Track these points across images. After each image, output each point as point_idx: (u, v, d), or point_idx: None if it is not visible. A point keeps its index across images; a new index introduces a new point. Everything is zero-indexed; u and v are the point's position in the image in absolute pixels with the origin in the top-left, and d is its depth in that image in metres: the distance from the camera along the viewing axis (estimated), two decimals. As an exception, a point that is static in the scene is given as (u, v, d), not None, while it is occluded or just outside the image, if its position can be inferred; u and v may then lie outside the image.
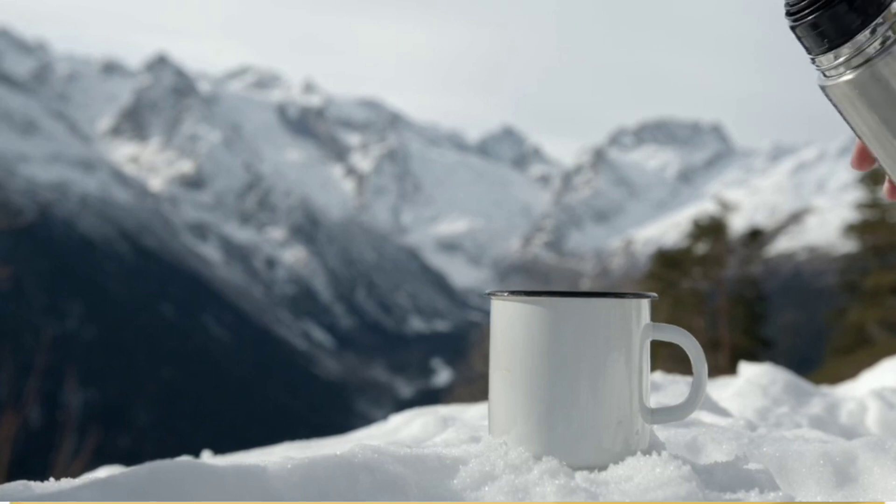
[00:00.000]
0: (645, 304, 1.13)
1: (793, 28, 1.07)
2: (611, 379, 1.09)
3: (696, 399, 1.13)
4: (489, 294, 1.16)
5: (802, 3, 1.05)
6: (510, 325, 1.12)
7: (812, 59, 1.08)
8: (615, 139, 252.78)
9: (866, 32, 1.03)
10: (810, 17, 1.05)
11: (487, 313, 1.16)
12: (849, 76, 1.06)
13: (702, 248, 25.47)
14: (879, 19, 1.03)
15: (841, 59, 1.06)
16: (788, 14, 1.07)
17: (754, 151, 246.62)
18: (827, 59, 1.07)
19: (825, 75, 1.08)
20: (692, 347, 1.12)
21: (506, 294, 1.13)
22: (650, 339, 1.14)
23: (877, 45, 1.03)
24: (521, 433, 1.10)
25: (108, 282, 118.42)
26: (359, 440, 2.11)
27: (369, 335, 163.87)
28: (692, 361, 1.13)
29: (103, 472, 1.93)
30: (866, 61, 1.04)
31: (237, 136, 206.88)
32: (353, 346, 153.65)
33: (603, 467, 1.07)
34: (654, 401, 1.87)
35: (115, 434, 79.80)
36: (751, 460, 1.15)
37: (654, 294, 1.15)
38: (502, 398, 1.13)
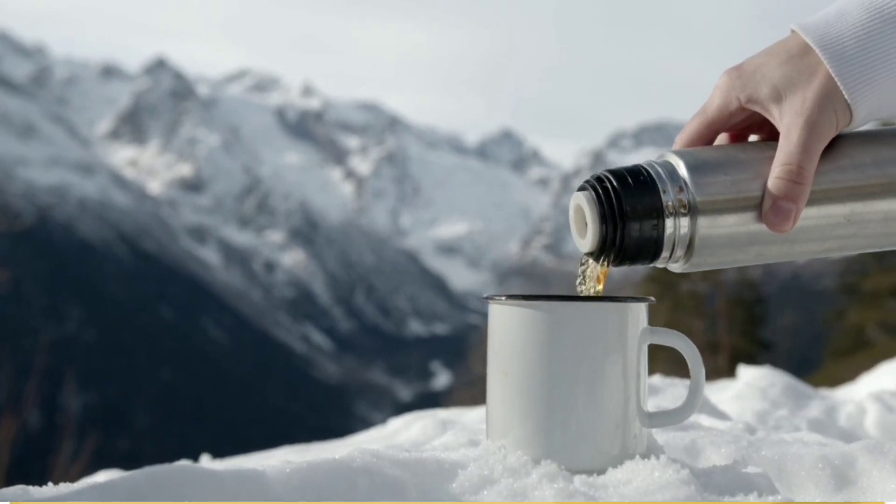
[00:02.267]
0: (642, 309, 1.12)
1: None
2: (608, 383, 1.09)
3: (693, 403, 1.12)
4: (487, 298, 1.14)
5: (602, 256, 1.06)
6: (508, 329, 1.11)
7: None
8: (614, 141, 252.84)
9: (669, 231, 1.02)
10: (615, 262, 1.06)
11: (486, 316, 1.15)
12: (689, 261, 1.05)
13: (701, 250, 25.48)
14: (667, 212, 1.01)
15: (670, 259, 1.06)
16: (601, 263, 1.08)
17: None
18: (662, 262, 1.06)
19: (669, 268, 1.08)
20: (689, 351, 1.12)
21: (503, 298, 1.12)
22: (648, 343, 1.13)
23: (684, 229, 1.02)
24: (518, 437, 1.10)
25: (107, 284, 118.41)
26: (358, 444, 2.11)
27: (368, 338, 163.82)
28: (689, 365, 1.12)
29: (102, 477, 1.93)
30: (690, 242, 1.03)
31: (236, 139, 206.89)
32: (353, 349, 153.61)
33: (601, 471, 1.07)
34: (652, 404, 1.87)
35: (115, 436, 79.78)
36: (749, 463, 1.14)
37: (652, 298, 1.15)
38: (500, 402, 1.13)
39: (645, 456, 1.08)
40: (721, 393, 2.37)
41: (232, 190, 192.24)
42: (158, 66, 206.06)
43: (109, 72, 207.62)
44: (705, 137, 1.10)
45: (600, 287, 1.09)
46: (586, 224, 1.04)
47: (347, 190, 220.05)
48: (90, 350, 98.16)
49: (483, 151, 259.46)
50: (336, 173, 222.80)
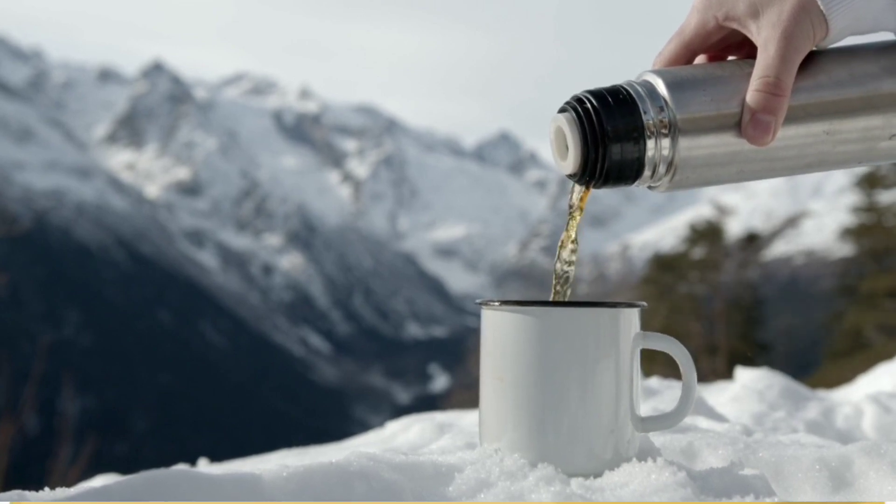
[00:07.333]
0: (635, 314, 1.12)
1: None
2: (601, 388, 1.09)
3: (685, 407, 1.13)
4: (480, 303, 1.15)
5: (584, 178, 1.04)
6: (501, 334, 1.11)
7: None
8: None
9: (650, 152, 1.02)
10: (597, 184, 1.05)
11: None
12: (672, 180, 1.05)
13: (698, 252, 25.49)
14: (648, 132, 1.01)
15: (653, 178, 1.05)
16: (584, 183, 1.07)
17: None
18: (644, 181, 1.05)
19: (651, 188, 1.07)
20: (681, 356, 1.12)
21: (497, 303, 1.12)
22: (640, 348, 1.13)
23: (666, 149, 1.02)
24: (512, 441, 1.10)
25: (104, 288, 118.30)
26: (355, 447, 2.11)
27: (366, 341, 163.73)
28: (682, 370, 1.12)
29: (99, 481, 1.93)
30: (672, 161, 1.03)
31: (233, 142, 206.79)
32: (351, 352, 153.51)
33: (597, 474, 1.07)
34: (650, 406, 1.87)
35: (113, 441, 79.60)
36: (746, 466, 1.15)
37: (644, 303, 1.15)
38: (493, 406, 1.12)
39: (642, 458, 1.08)
40: (718, 395, 2.37)
41: (229, 193, 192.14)
42: (155, 70, 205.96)
43: (106, 76, 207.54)
44: (683, 59, 1.09)
45: (583, 205, 1.08)
46: (567, 146, 1.03)
47: (345, 193, 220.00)
48: (88, 354, 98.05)
49: (481, 154, 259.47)
50: (333, 176, 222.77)
